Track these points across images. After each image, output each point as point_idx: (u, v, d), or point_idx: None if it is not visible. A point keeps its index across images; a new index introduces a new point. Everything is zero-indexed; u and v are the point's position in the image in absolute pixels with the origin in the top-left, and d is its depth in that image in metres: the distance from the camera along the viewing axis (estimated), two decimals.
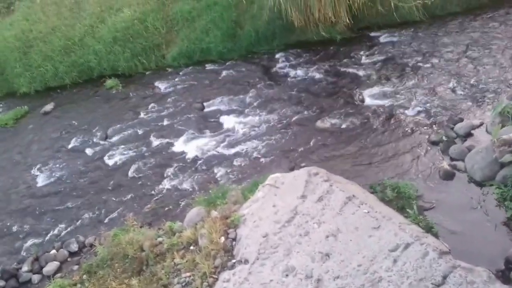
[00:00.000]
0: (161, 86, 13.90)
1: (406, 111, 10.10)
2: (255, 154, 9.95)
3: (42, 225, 9.50)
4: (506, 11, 13.12)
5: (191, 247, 6.72)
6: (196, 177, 9.71)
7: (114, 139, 11.86)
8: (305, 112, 10.95)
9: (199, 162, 10.18)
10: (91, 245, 8.28)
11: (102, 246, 7.61)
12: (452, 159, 8.36)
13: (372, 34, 13.77)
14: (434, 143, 8.89)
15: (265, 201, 6.91)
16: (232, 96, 12.35)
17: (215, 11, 14.68)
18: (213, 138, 10.85)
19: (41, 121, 13.77)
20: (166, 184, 9.73)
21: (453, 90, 10.39)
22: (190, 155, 10.47)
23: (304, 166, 8.42)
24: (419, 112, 9.97)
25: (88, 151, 11.64)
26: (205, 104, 12.34)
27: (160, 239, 7.18)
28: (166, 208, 9.00)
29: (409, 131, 9.45)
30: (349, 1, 12.35)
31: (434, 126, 9.39)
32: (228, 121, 11.35)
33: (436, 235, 6.56)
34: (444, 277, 5.19)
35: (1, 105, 15.61)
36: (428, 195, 7.65)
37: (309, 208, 6.55)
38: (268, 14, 13.52)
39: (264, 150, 10.01)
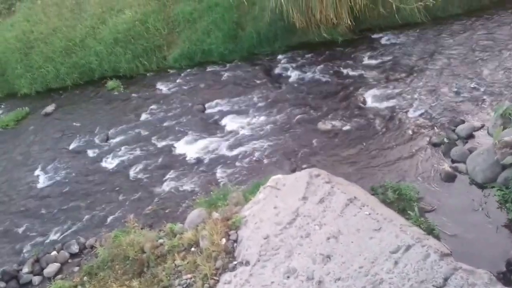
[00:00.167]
0: (162, 87, 13.89)
1: (408, 113, 10.09)
2: (256, 156, 9.94)
3: (42, 226, 9.50)
4: (507, 12, 13.09)
5: (192, 249, 6.72)
6: (197, 178, 9.71)
7: (115, 140, 11.85)
8: (307, 114, 10.94)
9: (200, 163, 10.18)
10: (92, 247, 8.29)
11: (102, 247, 7.61)
12: (453, 161, 8.35)
13: (374, 35, 13.74)
14: (436, 145, 8.88)
15: (266, 203, 6.90)
16: (234, 98, 12.34)
17: (216, 13, 14.66)
18: (214, 140, 10.84)
19: (42, 123, 13.77)
20: (167, 186, 9.72)
21: (455, 92, 10.37)
22: (191, 156, 10.46)
23: (305, 168, 8.41)
24: (420, 114, 9.95)
25: (89, 153, 11.64)
26: (206, 105, 12.33)
27: (161, 240, 7.18)
28: (167, 210, 9.00)
29: (410, 133, 9.44)
30: (350, 2, 12.33)
31: (435, 128, 9.38)
32: (229, 123, 11.34)
33: (437, 237, 6.56)
34: (445, 279, 5.18)
35: (2, 106, 15.62)
36: (429, 197, 7.64)
37: (311, 210, 6.55)
38: (270, 15, 13.50)
39: (265, 151, 10.00)
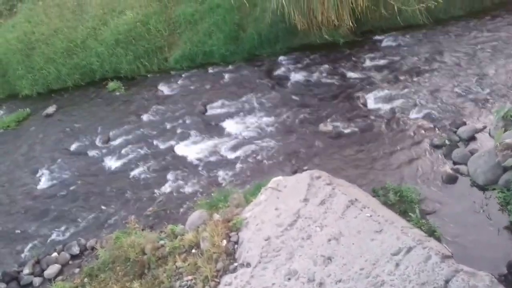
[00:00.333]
0: (164, 88, 13.90)
1: (409, 115, 10.08)
2: (257, 157, 9.93)
3: (43, 227, 9.50)
4: (510, 14, 13.09)
5: (193, 251, 6.71)
6: (198, 180, 9.70)
7: (116, 141, 11.85)
8: (308, 115, 10.93)
9: (201, 165, 10.17)
10: (93, 248, 8.28)
11: (103, 249, 7.61)
12: (454, 163, 8.34)
13: (375, 37, 13.74)
14: (437, 147, 8.86)
15: (268, 204, 6.90)
16: (235, 99, 12.35)
17: (218, 14, 14.67)
18: (215, 141, 10.83)
19: (43, 124, 13.79)
20: (168, 187, 9.72)
21: (456, 94, 10.37)
22: (192, 158, 10.46)
23: (306, 169, 8.39)
24: (422, 116, 9.94)
25: (90, 154, 11.65)
26: (207, 107, 12.33)
27: (162, 242, 7.17)
28: (168, 211, 9.00)
29: (412, 134, 9.43)
30: (352, 4, 12.33)
31: (437, 129, 9.37)
32: (230, 124, 11.33)
33: (438, 239, 6.54)
34: (447, 281, 5.18)
35: (3, 107, 15.64)
36: (430, 199, 7.63)
37: (312, 212, 6.54)
38: (271, 17, 13.50)
39: (267, 153, 9.99)
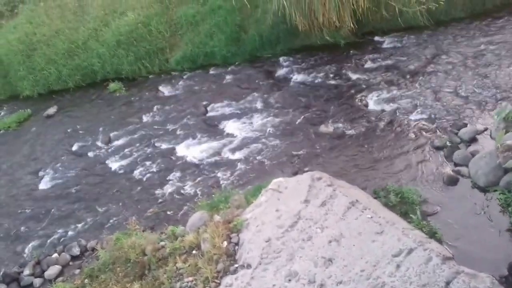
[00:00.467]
0: (165, 90, 13.92)
1: (410, 116, 10.06)
2: (258, 159, 9.93)
3: (44, 228, 9.50)
4: (511, 16, 13.07)
5: (194, 252, 6.71)
6: (198, 181, 9.70)
7: (117, 142, 11.86)
8: (309, 117, 10.93)
9: (202, 166, 10.17)
10: (93, 249, 8.28)
11: (104, 250, 7.61)
12: (456, 164, 8.32)
13: (376, 39, 13.74)
14: (438, 148, 8.85)
15: (268, 206, 6.89)
16: (236, 100, 12.35)
17: (219, 15, 14.68)
18: (216, 142, 10.83)
19: (44, 125, 13.80)
20: (169, 188, 9.71)
21: (458, 95, 10.35)
22: (193, 159, 10.46)
23: (307, 171, 8.40)
24: (423, 117, 9.92)
25: (91, 155, 11.66)
26: (208, 108, 12.35)
27: (162, 243, 7.18)
28: (169, 212, 8.99)
29: (413, 136, 9.41)
30: (353, 5, 12.34)
31: (438, 131, 9.35)
32: (231, 125, 11.33)
33: (439, 241, 6.54)
34: (448, 283, 5.17)
35: (4, 108, 15.67)
36: (431, 201, 7.61)
37: (312, 213, 6.53)
38: (272, 18, 13.51)
39: (267, 154, 9.99)
